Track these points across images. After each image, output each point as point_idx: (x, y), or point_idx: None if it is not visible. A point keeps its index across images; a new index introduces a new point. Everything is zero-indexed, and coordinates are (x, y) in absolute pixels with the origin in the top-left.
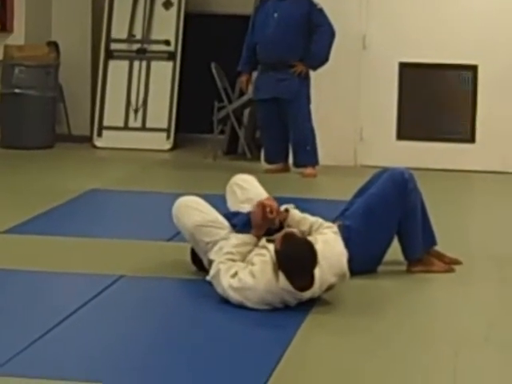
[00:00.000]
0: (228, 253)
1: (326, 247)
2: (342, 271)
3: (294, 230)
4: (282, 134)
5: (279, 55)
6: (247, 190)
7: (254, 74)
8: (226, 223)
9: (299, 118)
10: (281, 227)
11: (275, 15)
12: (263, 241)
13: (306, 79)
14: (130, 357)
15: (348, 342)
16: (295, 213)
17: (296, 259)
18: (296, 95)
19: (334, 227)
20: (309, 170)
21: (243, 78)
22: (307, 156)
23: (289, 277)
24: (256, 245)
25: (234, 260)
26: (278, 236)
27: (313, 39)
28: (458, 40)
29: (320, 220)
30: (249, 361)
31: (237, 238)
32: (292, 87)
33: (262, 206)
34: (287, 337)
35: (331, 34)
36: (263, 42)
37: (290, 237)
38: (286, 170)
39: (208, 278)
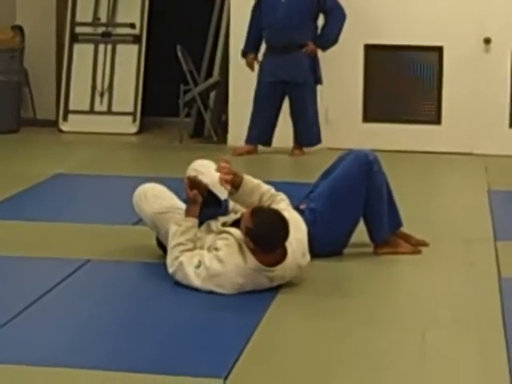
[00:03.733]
0: (179, 244)
1: (293, 226)
2: (306, 250)
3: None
4: (273, 118)
5: (289, 38)
6: (203, 174)
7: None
8: (184, 208)
9: (308, 100)
10: (236, 222)
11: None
12: (219, 226)
13: (315, 60)
14: (98, 340)
15: (315, 324)
16: (250, 180)
17: (270, 232)
18: (306, 78)
19: (286, 199)
20: (302, 150)
21: (250, 58)
22: (313, 136)
23: (263, 251)
24: (198, 226)
25: (190, 249)
26: (245, 214)
27: (327, 21)
28: (424, 21)
29: (272, 190)
30: (216, 344)
31: (178, 226)
32: (303, 70)
33: (187, 178)
34: (254, 319)
35: (344, 17)
36: (273, 26)
37: (259, 211)
38: (255, 152)
39: (169, 272)
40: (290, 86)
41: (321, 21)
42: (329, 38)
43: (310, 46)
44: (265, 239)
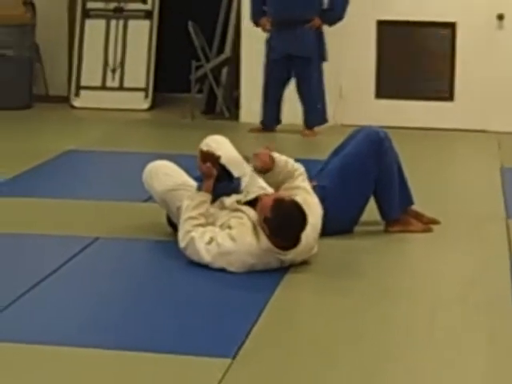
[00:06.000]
0: (190, 218)
1: (309, 211)
2: (318, 234)
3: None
4: (280, 97)
5: (296, 12)
6: (216, 150)
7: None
8: (195, 186)
9: (313, 76)
10: (251, 202)
11: None
12: (234, 203)
13: (321, 36)
14: (109, 317)
15: (325, 302)
16: (279, 159)
17: (288, 226)
18: (312, 53)
19: (304, 174)
20: (312, 131)
21: (263, 22)
22: (318, 115)
23: (276, 239)
24: (210, 201)
25: (202, 225)
26: (266, 202)
27: None
28: None
29: (294, 165)
30: (225, 321)
31: (191, 200)
32: (308, 44)
33: (200, 152)
34: (264, 297)
35: None
36: (278, 2)
37: (280, 203)
38: (272, 130)
39: (180, 247)
40: (296, 61)
41: None
42: (334, 14)
43: (316, 21)
44: (282, 231)
